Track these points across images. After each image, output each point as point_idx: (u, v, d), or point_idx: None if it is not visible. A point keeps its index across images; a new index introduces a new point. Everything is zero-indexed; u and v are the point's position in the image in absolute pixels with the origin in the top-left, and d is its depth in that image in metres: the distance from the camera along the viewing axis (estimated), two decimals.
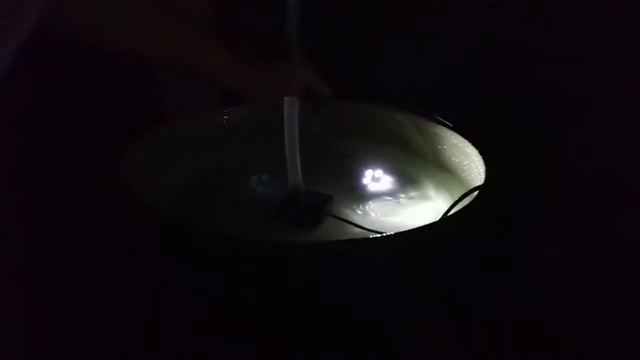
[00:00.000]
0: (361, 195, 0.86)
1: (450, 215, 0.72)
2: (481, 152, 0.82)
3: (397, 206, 0.85)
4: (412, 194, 0.87)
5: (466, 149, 0.86)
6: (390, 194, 0.87)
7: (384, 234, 0.70)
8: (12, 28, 0.54)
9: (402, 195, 0.87)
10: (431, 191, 0.88)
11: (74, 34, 0.71)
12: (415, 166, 0.92)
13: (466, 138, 0.86)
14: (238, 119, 0.95)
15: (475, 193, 0.74)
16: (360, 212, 0.83)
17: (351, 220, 0.78)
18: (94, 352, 0.79)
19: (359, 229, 0.77)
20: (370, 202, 0.85)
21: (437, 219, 0.75)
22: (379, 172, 0.89)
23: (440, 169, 0.91)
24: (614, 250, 0.93)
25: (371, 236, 0.73)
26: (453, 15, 1.01)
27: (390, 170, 0.90)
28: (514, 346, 0.79)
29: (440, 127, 0.90)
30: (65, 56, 0.79)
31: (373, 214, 0.83)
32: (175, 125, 0.91)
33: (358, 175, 0.89)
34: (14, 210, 0.83)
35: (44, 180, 0.82)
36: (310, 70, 0.91)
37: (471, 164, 0.84)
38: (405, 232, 0.68)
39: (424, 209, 0.84)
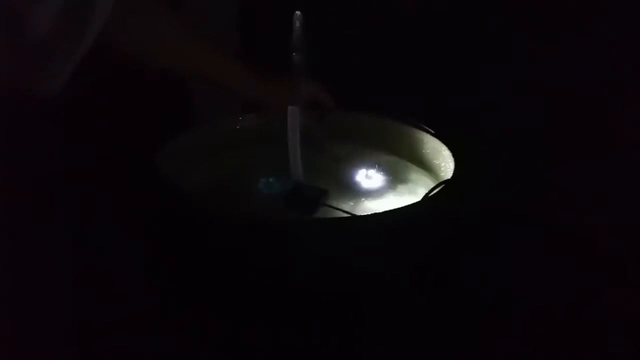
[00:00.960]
0: (353, 190, 1.01)
1: (419, 201, 0.88)
2: (453, 155, 0.97)
3: (384, 199, 1.00)
4: (398, 189, 1.02)
5: (443, 152, 1.00)
6: (379, 189, 1.02)
7: (364, 214, 0.85)
8: (77, 45, 0.66)
9: (389, 190, 1.02)
10: (414, 187, 1.02)
11: (123, 51, 0.82)
12: (401, 166, 1.07)
13: (444, 143, 1.01)
14: (253, 125, 1.11)
15: (442, 186, 0.89)
16: (351, 204, 0.98)
17: (342, 209, 0.94)
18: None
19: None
20: (360, 195, 1.00)
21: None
22: (370, 171, 1.04)
23: (422, 168, 1.05)
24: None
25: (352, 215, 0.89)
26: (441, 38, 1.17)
27: (379, 169, 1.04)
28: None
29: (423, 133, 1.05)
30: (110, 68, 0.94)
31: (362, 205, 0.98)
32: (201, 130, 1.09)
33: (352, 173, 1.04)
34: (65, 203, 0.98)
35: (93, 173, 0.99)
36: (316, 85, 1.05)
37: (446, 165, 0.99)
38: (380, 212, 0.84)
39: (407, 201, 0.98)
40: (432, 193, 0.88)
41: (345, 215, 0.91)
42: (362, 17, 1.24)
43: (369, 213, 0.89)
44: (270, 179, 1.02)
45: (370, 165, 1.05)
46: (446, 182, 0.90)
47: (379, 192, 1.01)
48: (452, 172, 0.93)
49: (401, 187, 1.03)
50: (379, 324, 0.87)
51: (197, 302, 0.90)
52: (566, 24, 1.06)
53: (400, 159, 1.08)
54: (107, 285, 0.92)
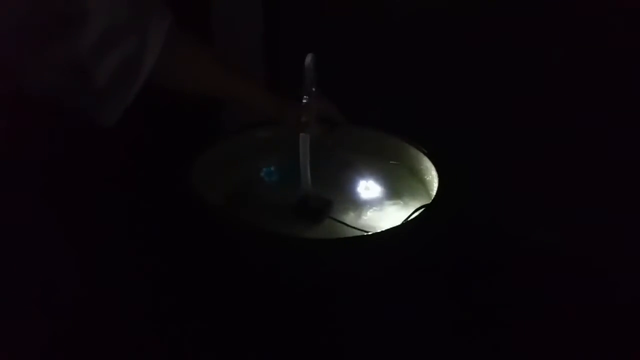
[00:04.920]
0: (355, 201, 1.18)
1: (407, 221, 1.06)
2: (439, 173, 1.14)
3: (380, 210, 1.16)
4: (394, 201, 1.18)
5: (432, 171, 1.16)
6: (378, 201, 1.18)
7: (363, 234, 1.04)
8: (132, 87, 0.79)
9: (386, 202, 1.18)
10: (408, 200, 1.18)
11: (162, 82, 0.90)
12: (398, 180, 1.23)
13: (434, 163, 1.17)
14: (270, 137, 1.28)
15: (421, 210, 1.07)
16: (352, 214, 1.15)
17: (344, 221, 1.12)
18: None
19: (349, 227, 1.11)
20: (361, 206, 1.17)
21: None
22: (370, 184, 1.20)
23: (416, 183, 1.22)
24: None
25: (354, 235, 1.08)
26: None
27: (379, 182, 1.21)
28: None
29: (419, 152, 1.21)
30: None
31: (362, 215, 1.15)
32: (225, 142, 1.26)
33: (354, 186, 1.20)
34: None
35: (132, 182, 1.16)
36: (327, 102, 1.18)
37: (434, 183, 1.14)
38: (372, 234, 1.02)
39: (401, 213, 1.14)
40: (410, 217, 1.05)
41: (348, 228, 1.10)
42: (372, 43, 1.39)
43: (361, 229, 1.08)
44: (282, 189, 1.20)
45: (371, 176, 1.21)
46: (425, 206, 1.07)
47: (378, 202, 1.18)
48: (435, 193, 1.10)
49: (397, 199, 1.19)
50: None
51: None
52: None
53: (398, 174, 1.24)
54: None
